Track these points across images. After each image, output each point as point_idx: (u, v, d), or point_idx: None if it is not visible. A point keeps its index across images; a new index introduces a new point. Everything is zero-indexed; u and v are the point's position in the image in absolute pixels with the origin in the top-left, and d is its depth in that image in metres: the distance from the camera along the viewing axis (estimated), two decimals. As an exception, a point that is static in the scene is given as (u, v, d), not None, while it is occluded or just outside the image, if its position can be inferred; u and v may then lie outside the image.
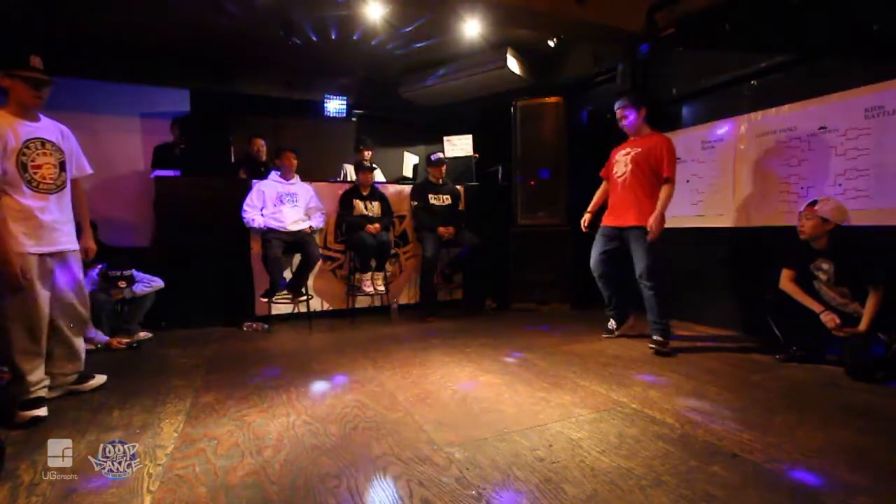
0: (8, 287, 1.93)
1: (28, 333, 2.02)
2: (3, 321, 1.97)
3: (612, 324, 3.40)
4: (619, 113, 3.17)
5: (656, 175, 3.01)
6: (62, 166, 2.17)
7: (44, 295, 2.06)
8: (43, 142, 2.10)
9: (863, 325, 2.48)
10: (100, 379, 2.41)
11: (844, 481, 1.48)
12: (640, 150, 3.07)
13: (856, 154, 2.86)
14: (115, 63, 4.90)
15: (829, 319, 2.56)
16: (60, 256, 2.16)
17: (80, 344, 2.33)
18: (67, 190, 2.21)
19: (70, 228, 2.22)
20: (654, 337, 3.00)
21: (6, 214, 1.94)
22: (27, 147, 2.04)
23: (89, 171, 2.37)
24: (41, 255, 2.05)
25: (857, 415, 1.99)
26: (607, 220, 3.25)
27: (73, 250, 2.24)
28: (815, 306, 2.64)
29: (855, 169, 2.87)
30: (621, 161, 3.18)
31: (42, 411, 2.01)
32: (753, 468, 1.55)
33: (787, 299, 2.75)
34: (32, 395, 2.03)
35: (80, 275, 2.28)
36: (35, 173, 2.05)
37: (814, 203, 2.65)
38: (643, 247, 2.99)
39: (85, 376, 2.37)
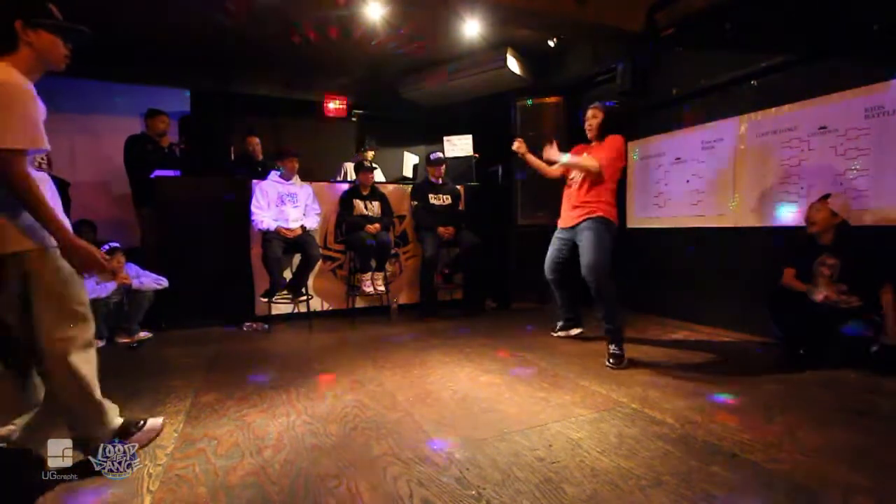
0: None
1: None
2: None
3: (559, 324, 3.44)
4: (589, 112, 3.06)
5: (613, 173, 2.95)
6: None
7: None
8: None
9: (893, 335, 2.46)
10: None
11: (844, 481, 1.48)
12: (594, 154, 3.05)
13: (856, 154, 2.86)
14: (115, 63, 4.89)
15: (819, 295, 2.64)
16: None
17: None
18: None
19: None
20: (610, 348, 2.78)
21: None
22: None
23: None
24: None
25: (857, 415, 1.99)
26: (561, 222, 3.21)
27: None
28: (806, 287, 2.71)
29: (855, 169, 2.87)
30: None
31: None
32: (753, 468, 1.55)
33: (788, 299, 2.75)
34: None
35: None
36: None
37: (825, 197, 2.74)
38: (588, 240, 2.87)
39: None
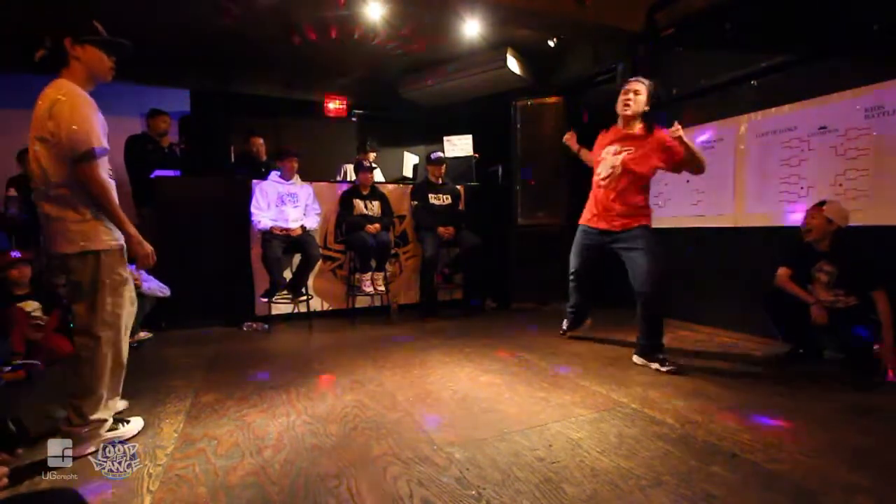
0: None
1: None
2: None
3: (565, 323, 3.37)
4: (632, 86, 2.66)
5: (652, 174, 2.69)
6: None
7: None
8: None
9: (886, 343, 2.43)
10: None
11: (844, 481, 1.48)
12: (632, 150, 2.65)
13: (856, 154, 2.86)
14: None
15: (817, 315, 2.58)
16: None
17: None
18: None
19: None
20: (654, 362, 2.63)
21: None
22: None
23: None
24: None
25: (857, 415, 1.99)
26: (591, 221, 2.86)
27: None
28: (808, 298, 2.67)
29: (855, 169, 2.87)
30: (608, 160, 2.73)
31: None
32: (753, 468, 1.55)
33: (786, 298, 2.75)
34: None
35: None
36: None
37: (821, 204, 2.70)
38: (643, 250, 2.56)
39: None
